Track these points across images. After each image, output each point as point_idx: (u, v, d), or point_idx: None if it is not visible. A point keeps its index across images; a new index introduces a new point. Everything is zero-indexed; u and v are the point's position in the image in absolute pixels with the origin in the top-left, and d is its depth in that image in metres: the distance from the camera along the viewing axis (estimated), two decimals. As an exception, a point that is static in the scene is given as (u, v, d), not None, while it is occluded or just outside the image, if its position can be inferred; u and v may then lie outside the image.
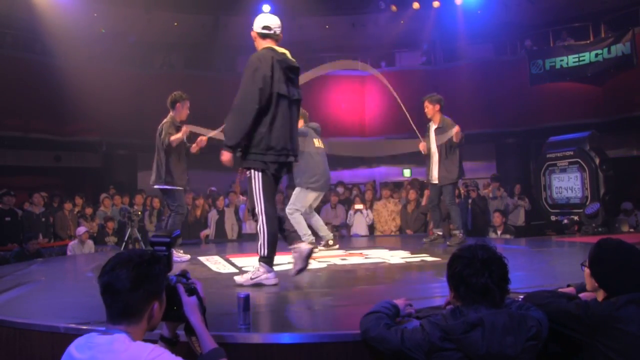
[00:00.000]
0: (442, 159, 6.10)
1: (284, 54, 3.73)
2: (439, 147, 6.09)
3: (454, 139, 5.91)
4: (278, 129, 3.58)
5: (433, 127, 6.20)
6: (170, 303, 1.86)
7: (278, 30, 3.80)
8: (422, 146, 6.33)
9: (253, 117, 3.51)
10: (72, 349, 1.72)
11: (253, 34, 3.83)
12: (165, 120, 5.62)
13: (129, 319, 1.71)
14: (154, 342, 1.80)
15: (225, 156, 3.65)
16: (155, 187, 5.68)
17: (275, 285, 3.62)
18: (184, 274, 2.01)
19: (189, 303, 1.91)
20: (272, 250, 3.63)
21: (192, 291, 1.94)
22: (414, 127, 6.53)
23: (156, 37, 13.57)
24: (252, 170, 3.63)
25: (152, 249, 1.96)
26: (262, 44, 3.77)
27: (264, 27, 3.77)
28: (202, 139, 5.61)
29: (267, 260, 3.63)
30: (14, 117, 11.28)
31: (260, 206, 3.59)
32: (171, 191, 5.56)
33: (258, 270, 3.62)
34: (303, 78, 5.35)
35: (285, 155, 3.65)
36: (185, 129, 5.50)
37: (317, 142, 5.93)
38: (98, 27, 12.71)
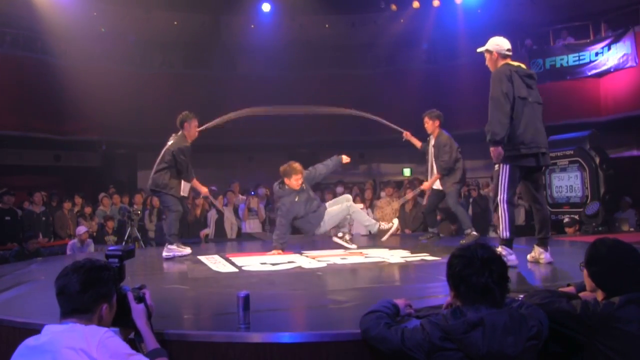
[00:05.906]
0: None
1: (519, 65, 4.21)
2: (436, 162, 6.20)
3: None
4: (525, 126, 4.01)
5: (432, 141, 6.32)
6: (120, 309, 2.11)
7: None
8: (406, 134, 6.64)
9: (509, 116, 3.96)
10: (29, 340, 1.89)
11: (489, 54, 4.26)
12: (173, 140, 5.73)
13: (80, 316, 1.94)
14: None
15: (496, 151, 3.99)
16: (150, 188, 5.85)
17: (515, 267, 3.88)
18: (141, 287, 2.25)
19: (137, 309, 2.16)
20: (512, 234, 4.06)
21: (140, 299, 2.19)
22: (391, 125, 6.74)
23: (156, 36, 13.56)
24: (502, 164, 4.04)
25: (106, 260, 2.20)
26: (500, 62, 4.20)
27: (508, 50, 4.22)
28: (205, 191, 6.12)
29: (508, 243, 4.01)
30: (14, 116, 11.27)
31: (503, 195, 4.03)
32: (164, 194, 5.67)
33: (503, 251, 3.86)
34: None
35: (536, 147, 4.04)
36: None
37: None
38: (98, 26, 12.70)
